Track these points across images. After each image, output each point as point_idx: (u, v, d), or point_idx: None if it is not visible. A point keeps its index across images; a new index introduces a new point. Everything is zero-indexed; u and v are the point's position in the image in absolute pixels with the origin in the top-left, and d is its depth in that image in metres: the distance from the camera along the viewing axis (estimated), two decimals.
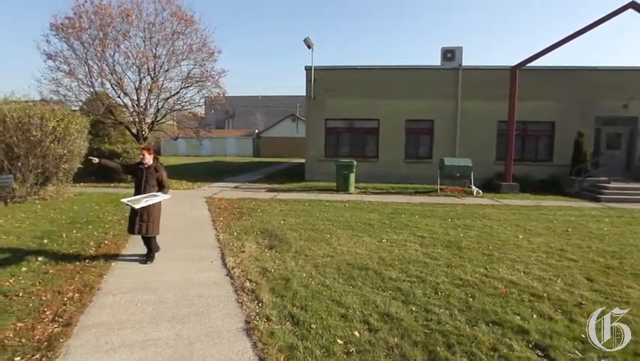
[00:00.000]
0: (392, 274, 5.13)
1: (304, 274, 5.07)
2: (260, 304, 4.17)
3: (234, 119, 58.09)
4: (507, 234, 7.62)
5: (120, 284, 4.73)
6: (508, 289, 4.67)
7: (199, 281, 4.86)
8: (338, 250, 6.22)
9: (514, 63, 14.49)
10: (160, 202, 5.50)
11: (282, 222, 8.21)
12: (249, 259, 5.67)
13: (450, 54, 16.00)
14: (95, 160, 5.60)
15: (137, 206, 5.12)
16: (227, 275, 5.07)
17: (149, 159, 5.46)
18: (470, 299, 4.37)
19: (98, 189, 13.44)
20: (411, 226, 8.17)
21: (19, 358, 3.14)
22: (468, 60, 16.29)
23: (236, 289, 4.61)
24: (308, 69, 16.58)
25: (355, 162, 13.56)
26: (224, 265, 5.47)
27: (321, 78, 16.54)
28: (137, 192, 5.42)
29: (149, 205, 5.29)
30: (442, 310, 4.06)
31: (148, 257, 5.58)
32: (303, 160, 23.23)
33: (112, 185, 14.42)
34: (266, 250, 6.22)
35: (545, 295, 4.52)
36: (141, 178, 5.41)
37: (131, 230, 5.46)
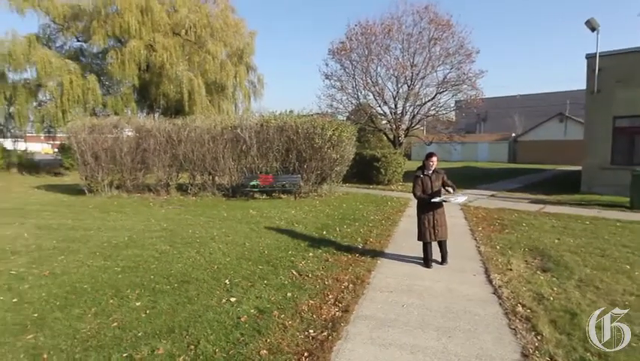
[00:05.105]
0: None
1: (598, 312, 4.02)
2: (539, 337, 3.53)
3: (486, 123, 54.25)
4: None
5: (386, 282, 4.98)
6: None
7: (462, 294, 4.58)
8: None
9: None
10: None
11: (555, 241, 6.91)
12: (519, 280, 4.96)
13: None
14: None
15: (454, 201, 5.67)
16: (494, 294, 4.58)
17: (436, 164, 5.59)
18: None
19: (360, 189, 15.10)
20: None
21: (312, 331, 3.70)
22: None
23: (506, 311, 4.09)
24: (590, 57, 13.52)
25: None
26: (489, 281, 4.98)
27: (608, 66, 13.21)
28: (431, 196, 5.48)
29: (443, 212, 5.63)
30: None
31: (443, 259, 5.70)
32: (573, 168, 19.50)
33: (371, 187, 15.92)
34: (538, 271, 5.32)
35: None
36: (430, 183, 5.52)
37: (428, 237, 5.56)
